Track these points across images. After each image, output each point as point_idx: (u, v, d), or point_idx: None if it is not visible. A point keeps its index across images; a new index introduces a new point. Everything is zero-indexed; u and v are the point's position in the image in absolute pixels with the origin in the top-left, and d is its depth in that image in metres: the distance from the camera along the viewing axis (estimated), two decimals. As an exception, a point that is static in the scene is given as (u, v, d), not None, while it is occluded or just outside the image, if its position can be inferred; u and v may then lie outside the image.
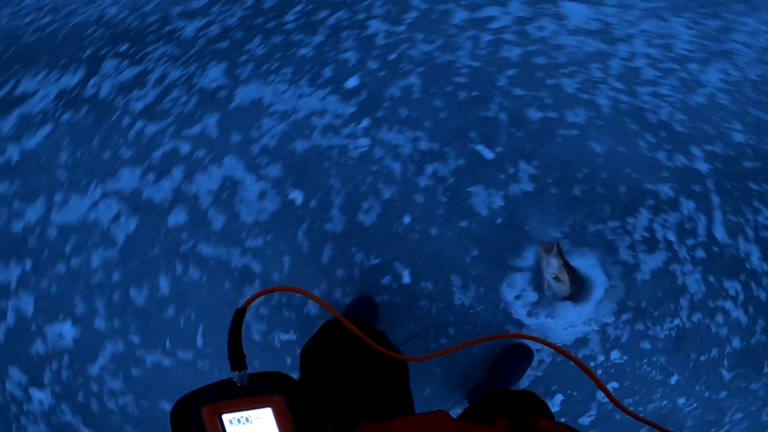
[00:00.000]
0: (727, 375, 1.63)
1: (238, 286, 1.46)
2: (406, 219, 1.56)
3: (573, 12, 2.76)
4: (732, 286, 1.67)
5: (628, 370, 1.56)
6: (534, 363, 1.54)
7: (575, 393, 1.55)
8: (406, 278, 1.49)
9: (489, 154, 1.73)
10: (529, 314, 1.52)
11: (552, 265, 1.40)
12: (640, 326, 1.59)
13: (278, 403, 0.39)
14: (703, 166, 1.95)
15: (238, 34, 2.28)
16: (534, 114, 1.93)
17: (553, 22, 2.57)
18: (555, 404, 1.54)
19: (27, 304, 1.53)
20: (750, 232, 1.79)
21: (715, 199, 1.85)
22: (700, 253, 1.69)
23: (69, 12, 3.08)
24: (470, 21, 2.38)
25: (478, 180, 1.66)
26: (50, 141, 1.89)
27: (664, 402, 1.58)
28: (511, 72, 2.09)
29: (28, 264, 1.58)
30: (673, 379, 1.60)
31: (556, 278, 1.43)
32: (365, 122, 1.75)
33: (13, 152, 1.89)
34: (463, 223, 1.57)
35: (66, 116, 1.99)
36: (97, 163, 1.77)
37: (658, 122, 2.09)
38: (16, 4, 3.73)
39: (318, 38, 2.15)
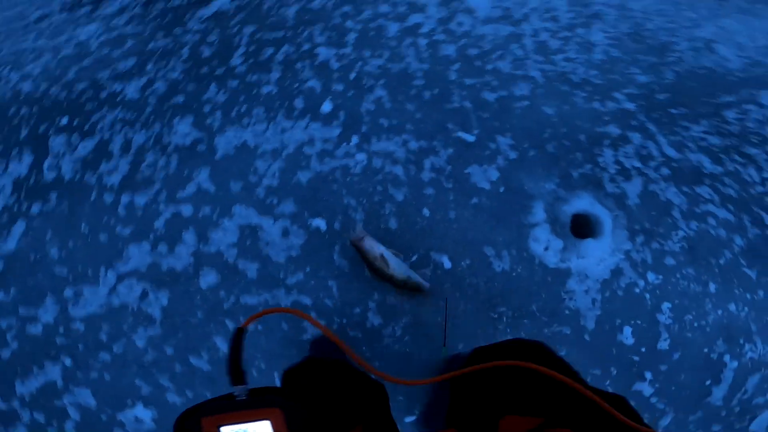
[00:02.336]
0: (752, 274, 1.66)
1: (296, 323, 1.38)
2: (426, 212, 1.59)
3: (477, 4, 3.00)
4: (703, 190, 1.82)
5: (669, 288, 1.60)
6: (588, 303, 1.53)
7: (639, 321, 1.55)
8: (447, 263, 1.50)
9: (470, 138, 1.83)
10: (562, 260, 1.57)
11: (374, 247, 1.40)
12: (655, 245, 1.66)
13: (276, 417, 0.39)
14: (630, 105, 2.18)
15: (189, 86, 2.19)
16: (489, 96, 2.08)
17: (468, 16, 2.77)
18: (627, 336, 1.53)
19: (85, 397, 1.35)
20: (691, 144, 2.01)
21: (651, 127, 2.07)
22: (665, 171, 1.86)
23: (-26, 92, 2.68)
24: (403, 30, 2.49)
25: (470, 161, 1.74)
26: (30, 238, 1.66)
27: (719, 311, 1.59)
28: (455, 66, 2.24)
29: (67, 361, 1.42)
30: (712, 288, 1.62)
31: (381, 257, 1.40)
32: (355, 139, 1.76)
33: (-8, 260, 1.66)
34: (474, 200, 1.63)
35: (35, 208, 1.77)
36: (95, 249, 1.59)
37: (580, 81, 2.33)
38: None
39: (275, 74, 2.14)
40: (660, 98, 2.33)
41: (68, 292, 1.50)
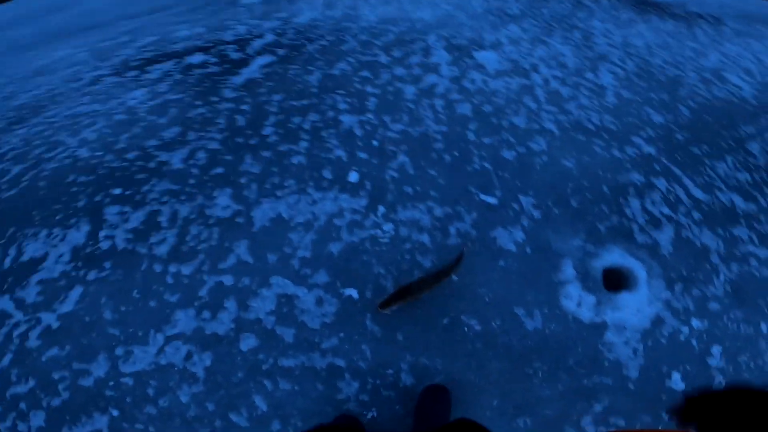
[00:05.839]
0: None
1: (331, 384, 1.39)
2: (454, 277, 1.58)
3: (486, 59, 3.08)
4: (741, 231, 1.75)
5: (717, 332, 1.52)
6: (629, 353, 1.45)
7: (688, 366, 1.46)
8: (477, 326, 1.48)
9: (493, 200, 1.83)
10: (597, 315, 1.51)
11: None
12: (696, 292, 1.59)
13: None
14: (650, 149, 2.12)
15: (226, 156, 2.29)
16: (508, 154, 2.08)
17: (478, 73, 2.85)
18: (676, 382, 1.43)
19: (130, 446, 1.44)
20: (720, 184, 1.95)
21: (676, 170, 2.00)
22: (696, 215, 1.80)
23: (37, 158, 2.86)
24: (420, 92, 2.59)
25: (494, 224, 1.73)
26: (87, 302, 1.70)
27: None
28: (472, 126, 2.26)
29: (114, 412, 1.50)
30: (764, 328, 1.53)
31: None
32: (381, 209, 1.79)
33: (49, 319, 1.70)
34: (501, 263, 1.61)
35: (92, 275, 1.89)
36: (146, 313, 1.68)
37: (596, 128, 2.30)
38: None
39: (303, 144, 2.22)
40: (679, 138, 2.27)
41: (119, 351, 1.59)
